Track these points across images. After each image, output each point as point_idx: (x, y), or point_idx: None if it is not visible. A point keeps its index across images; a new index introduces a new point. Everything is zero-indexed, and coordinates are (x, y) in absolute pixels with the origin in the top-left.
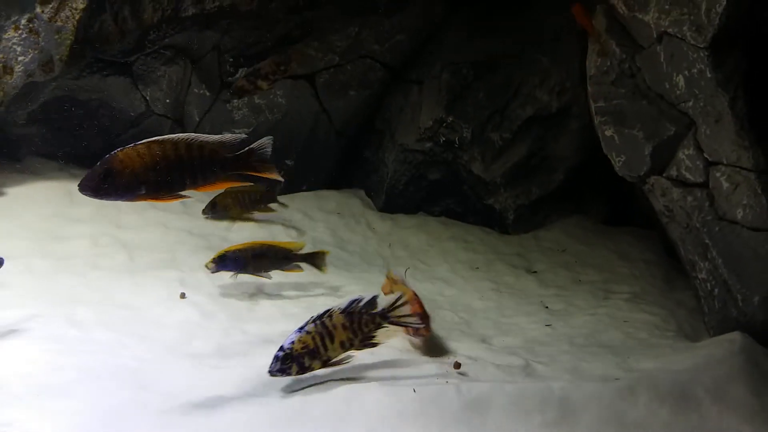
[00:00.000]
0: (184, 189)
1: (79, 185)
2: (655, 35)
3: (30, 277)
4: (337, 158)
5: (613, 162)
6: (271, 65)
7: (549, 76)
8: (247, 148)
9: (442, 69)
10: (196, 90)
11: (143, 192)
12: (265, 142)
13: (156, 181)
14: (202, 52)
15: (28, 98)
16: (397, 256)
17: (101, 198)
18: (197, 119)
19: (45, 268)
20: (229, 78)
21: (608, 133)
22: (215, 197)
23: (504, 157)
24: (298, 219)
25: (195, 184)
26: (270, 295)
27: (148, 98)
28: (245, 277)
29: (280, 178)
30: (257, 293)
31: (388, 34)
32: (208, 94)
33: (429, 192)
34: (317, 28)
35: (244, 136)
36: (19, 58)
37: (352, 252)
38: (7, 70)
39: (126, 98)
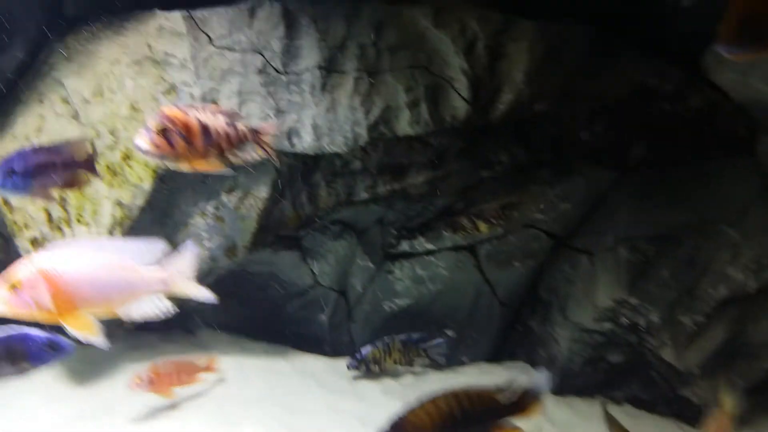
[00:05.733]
0: None
1: None
2: None
3: None
4: (499, 329)
5: None
6: (496, 209)
7: (740, 251)
8: (522, 391)
9: (616, 243)
10: (359, 262)
11: None
12: (541, 379)
13: None
14: (367, 224)
15: (205, 274)
16: None
17: None
18: (360, 290)
19: None
20: (390, 249)
21: None
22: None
23: (698, 342)
24: None
25: None
26: None
27: (316, 272)
28: None
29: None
30: None
31: (553, 204)
32: (371, 265)
33: (609, 375)
34: (479, 200)
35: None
36: (205, 243)
37: None
38: None
39: (294, 271)
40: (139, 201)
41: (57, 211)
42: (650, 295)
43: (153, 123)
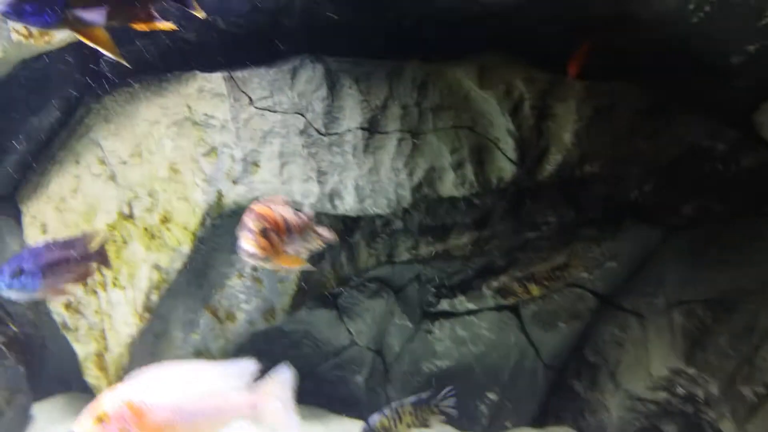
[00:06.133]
0: None
1: None
2: None
3: None
4: (544, 392)
5: None
6: (547, 270)
7: None
8: None
9: (669, 306)
10: (397, 321)
11: None
12: None
13: None
14: (404, 281)
15: (241, 337)
16: None
17: None
18: (397, 350)
19: None
20: (429, 308)
21: None
22: None
23: (759, 415)
24: None
25: None
26: None
27: (352, 331)
28: None
29: None
30: None
31: (598, 262)
32: (409, 324)
33: None
34: (522, 258)
35: None
36: (242, 306)
37: None
38: (230, 316)
39: (330, 330)
40: (177, 264)
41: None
42: (708, 365)
43: (254, 224)
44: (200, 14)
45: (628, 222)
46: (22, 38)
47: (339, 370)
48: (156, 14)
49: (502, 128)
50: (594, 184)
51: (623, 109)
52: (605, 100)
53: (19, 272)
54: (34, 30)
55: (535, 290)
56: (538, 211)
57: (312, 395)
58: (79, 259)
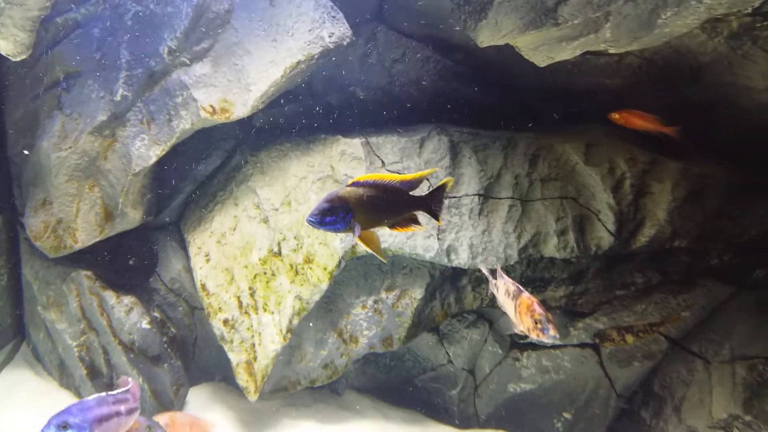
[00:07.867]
0: None
1: None
2: None
3: None
4: (614, 416)
5: None
6: (645, 325)
7: None
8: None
9: (733, 358)
10: (489, 348)
11: None
12: None
13: None
14: (498, 315)
15: (361, 357)
16: None
17: None
18: (487, 371)
19: None
20: (519, 339)
21: None
22: None
23: None
24: None
25: None
26: None
27: (450, 354)
28: None
29: None
30: None
31: (674, 311)
32: (500, 351)
33: None
34: (606, 308)
35: None
36: (364, 332)
37: None
38: (353, 339)
39: (431, 351)
40: (317, 297)
41: (246, 299)
42: (764, 414)
43: (542, 314)
44: (440, 223)
45: (703, 279)
46: (208, 115)
47: (435, 383)
48: (411, 221)
49: (603, 202)
50: (680, 255)
51: (713, 192)
52: (698, 184)
53: (65, 426)
54: (218, 108)
55: (630, 340)
56: (628, 273)
57: (411, 401)
58: (131, 411)
